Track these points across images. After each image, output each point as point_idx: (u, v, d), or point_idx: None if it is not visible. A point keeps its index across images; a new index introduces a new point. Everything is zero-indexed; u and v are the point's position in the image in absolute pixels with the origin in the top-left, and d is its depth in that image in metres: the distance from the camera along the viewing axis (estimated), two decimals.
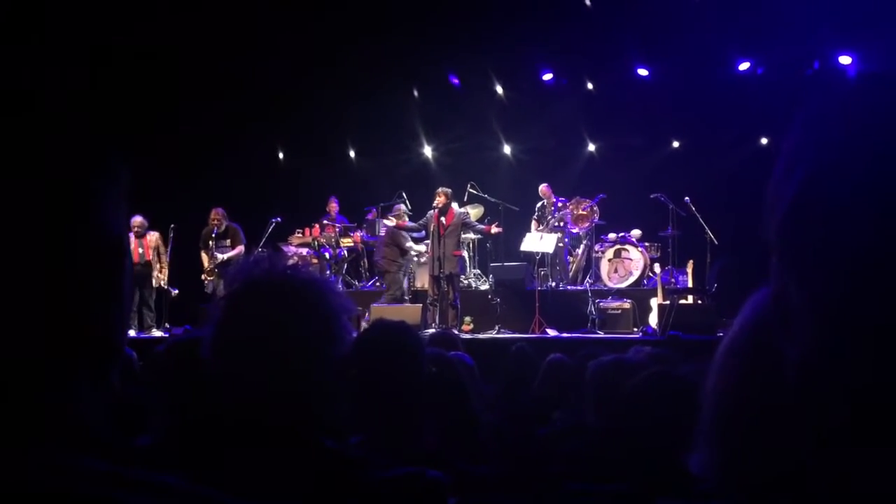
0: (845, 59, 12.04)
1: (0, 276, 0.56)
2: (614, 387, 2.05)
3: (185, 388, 1.60)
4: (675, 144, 13.37)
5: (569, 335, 9.52)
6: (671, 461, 1.89)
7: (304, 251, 11.59)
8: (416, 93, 13.70)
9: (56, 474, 0.52)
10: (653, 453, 1.83)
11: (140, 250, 10.03)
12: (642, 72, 12.88)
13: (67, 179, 0.60)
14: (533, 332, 9.71)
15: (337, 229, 11.48)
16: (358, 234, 11.63)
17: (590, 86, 13.36)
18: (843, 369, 0.46)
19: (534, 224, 11.39)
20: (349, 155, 14.37)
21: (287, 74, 12.55)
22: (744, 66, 12.56)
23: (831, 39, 11.85)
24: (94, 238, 0.61)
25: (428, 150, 14.19)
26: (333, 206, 11.70)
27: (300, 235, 11.88)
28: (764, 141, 12.91)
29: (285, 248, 11.60)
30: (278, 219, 11.30)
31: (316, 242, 11.47)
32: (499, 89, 13.52)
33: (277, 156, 14.25)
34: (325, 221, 11.52)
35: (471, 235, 11.28)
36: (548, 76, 13.30)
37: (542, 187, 11.54)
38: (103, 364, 0.62)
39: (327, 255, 11.23)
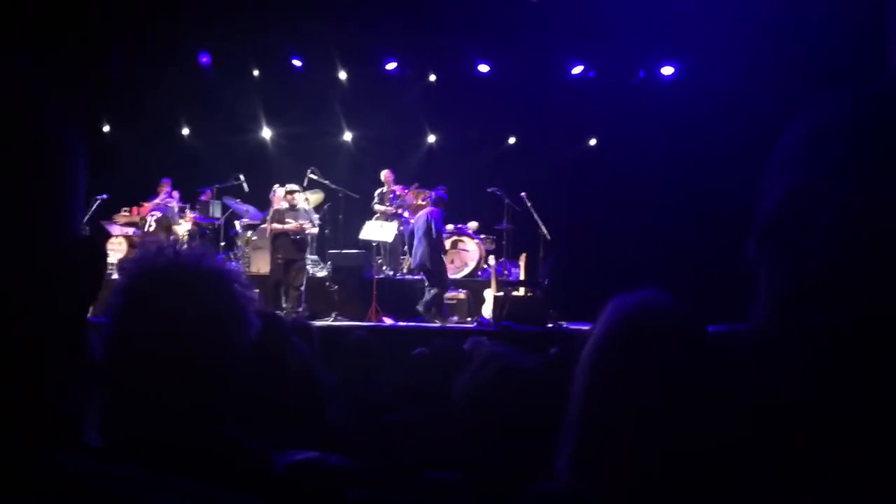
0: (667, 70, 12.91)
1: None
2: (472, 379, 2.12)
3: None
4: (512, 140, 13.80)
5: (405, 324, 9.65)
6: (525, 452, 1.99)
7: (131, 231, 11.03)
8: (255, 72, 13.31)
9: (78, 477, 0.50)
10: (507, 445, 1.93)
11: None
12: (483, 68, 13.19)
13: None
14: (370, 321, 9.76)
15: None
16: (191, 214, 11.18)
17: (432, 77, 13.53)
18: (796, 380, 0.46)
19: (374, 202, 11.41)
20: (182, 133, 13.77)
21: (118, 47, 11.84)
22: (577, 69, 13.13)
23: (655, 50, 12.67)
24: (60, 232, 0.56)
25: (267, 133, 13.84)
26: (165, 188, 11.16)
27: (127, 214, 11.28)
28: (593, 142, 13.59)
29: (110, 227, 11.00)
30: (104, 196, 10.67)
31: (144, 222, 10.93)
32: (342, 75, 13.40)
33: (101, 129, 13.40)
34: (156, 201, 11.00)
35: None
36: (391, 65, 13.33)
37: (385, 173, 11.59)
38: (74, 361, 0.59)
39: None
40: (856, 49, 8.80)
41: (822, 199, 0.45)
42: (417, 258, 9.87)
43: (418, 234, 9.91)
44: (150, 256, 1.13)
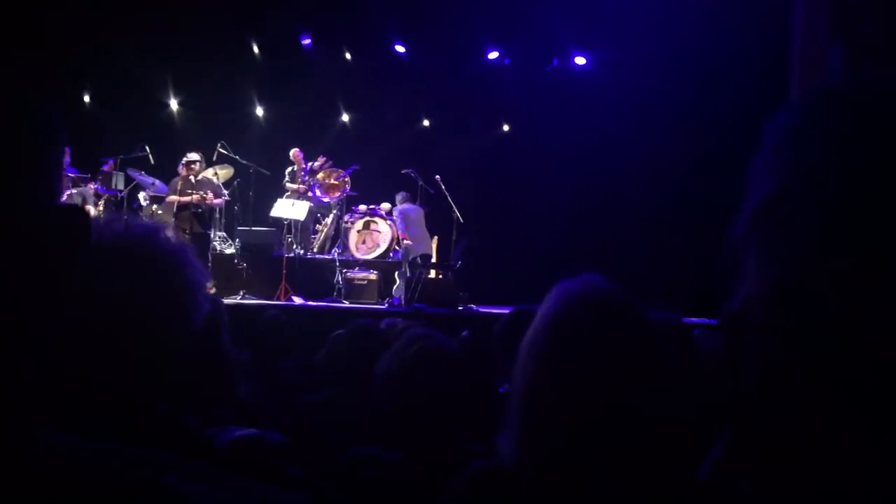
0: (580, 60, 13.15)
1: None
2: (395, 360, 2.13)
3: None
4: (426, 123, 13.79)
5: (315, 304, 9.56)
6: (446, 431, 2.02)
7: None
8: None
9: (106, 460, 0.47)
10: (428, 424, 1.95)
11: None
12: (400, 49, 13.11)
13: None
14: (279, 299, 9.62)
15: (69, 180, 10.48)
16: (92, 185, 10.72)
17: (348, 56, 13.36)
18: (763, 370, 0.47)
19: (286, 181, 11.26)
20: (83, 98, 13.15)
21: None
22: (493, 55, 13.21)
23: (569, 40, 12.88)
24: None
25: (174, 103, 13.38)
26: (65, 158, 10.64)
27: None
28: (506, 128, 13.73)
29: None
30: None
31: None
32: (255, 48, 13.07)
33: None
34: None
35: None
36: (307, 41, 13.08)
37: (294, 151, 11.42)
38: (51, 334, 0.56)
39: None
40: (763, 48, 9.19)
41: (811, 194, 0.45)
42: (423, 247, 10.45)
43: (418, 224, 10.56)
44: (97, 228, 1.06)
